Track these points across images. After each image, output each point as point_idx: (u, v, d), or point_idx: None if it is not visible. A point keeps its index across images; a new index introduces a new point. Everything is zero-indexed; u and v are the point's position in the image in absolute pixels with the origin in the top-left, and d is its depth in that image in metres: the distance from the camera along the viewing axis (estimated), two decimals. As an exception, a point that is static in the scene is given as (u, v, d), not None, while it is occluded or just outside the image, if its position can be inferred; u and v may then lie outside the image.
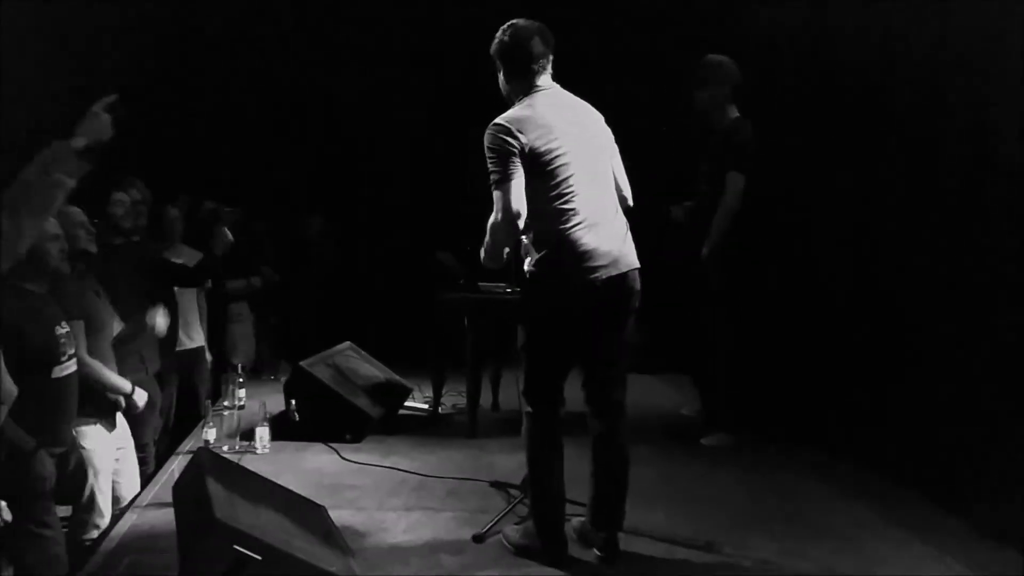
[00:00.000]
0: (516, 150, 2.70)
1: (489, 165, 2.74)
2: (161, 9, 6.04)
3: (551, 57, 2.88)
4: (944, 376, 3.53)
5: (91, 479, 3.25)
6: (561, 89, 2.91)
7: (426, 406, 5.06)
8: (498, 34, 2.90)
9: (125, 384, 3.44)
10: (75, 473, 3.23)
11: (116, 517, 3.26)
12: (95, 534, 3.22)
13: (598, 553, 2.87)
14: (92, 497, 3.26)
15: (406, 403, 5.04)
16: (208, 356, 4.97)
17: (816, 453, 4.20)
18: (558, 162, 2.74)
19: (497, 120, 2.78)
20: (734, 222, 4.20)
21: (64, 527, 3.35)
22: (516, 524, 3.03)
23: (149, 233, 4.36)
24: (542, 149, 2.73)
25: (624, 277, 2.80)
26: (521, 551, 2.91)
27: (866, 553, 2.99)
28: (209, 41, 6.57)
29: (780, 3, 5.11)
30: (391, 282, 6.82)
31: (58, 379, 2.89)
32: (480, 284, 4.57)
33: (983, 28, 3.41)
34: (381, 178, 7.19)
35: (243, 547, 2.21)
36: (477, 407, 4.57)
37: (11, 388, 2.52)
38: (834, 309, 4.48)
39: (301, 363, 4.47)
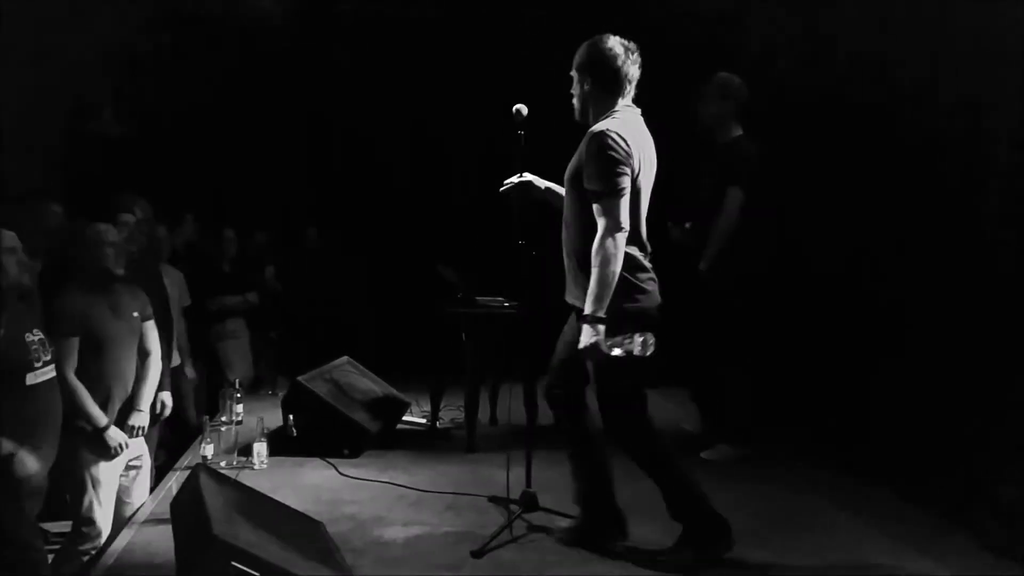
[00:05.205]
0: (631, 166, 2.71)
1: (598, 173, 2.68)
2: (155, 27, 6.07)
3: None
4: (949, 389, 3.53)
5: (90, 491, 3.23)
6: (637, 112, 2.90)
7: (424, 420, 5.05)
8: (600, 45, 2.81)
9: (100, 417, 3.24)
10: (75, 485, 3.21)
11: (112, 536, 3.23)
12: (90, 547, 3.20)
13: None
14: (91, 509, 3.23)
15: (404, 417, 5.02)
16: (190, 373, 4.95)
17: (816, 467, 4.18)
18: (640, 183, 2.79)
19: (612, 129, 2.70)
20: (732, 238, 4.19)
21: (59, 541, 3.35)
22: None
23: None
24: (637, 169, 2.77)
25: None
26: (571, 537, 3.05)
27: (866, 568, 2.97)
28: (204, 53, 6.59)
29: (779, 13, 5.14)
30: (389, 295, 6.81)
31: (33, 386, 2.78)
32: (479, 298, 4.57)
33: (982, 33, 3.44)
34: (380, 190, 7.19)
35: (241, 564, 2.21)
36: (475, 421, 4.56)
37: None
38: (834, 322, 4.48)
39: (299, 378, 4.46)
